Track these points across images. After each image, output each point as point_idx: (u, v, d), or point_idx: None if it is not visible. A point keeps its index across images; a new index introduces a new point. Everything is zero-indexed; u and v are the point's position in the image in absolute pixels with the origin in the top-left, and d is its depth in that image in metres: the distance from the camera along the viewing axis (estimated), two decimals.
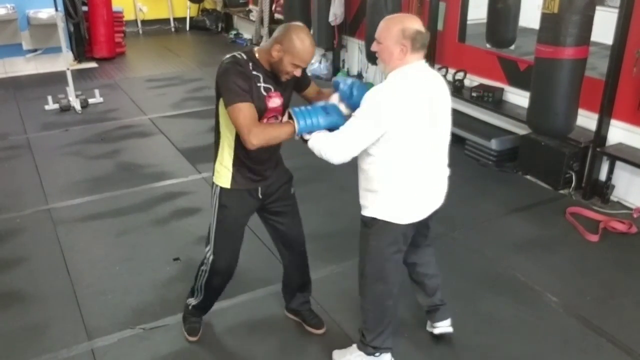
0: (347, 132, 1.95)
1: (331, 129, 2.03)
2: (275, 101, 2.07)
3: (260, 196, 2.22)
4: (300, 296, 2.58)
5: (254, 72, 2.00)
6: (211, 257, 2.26)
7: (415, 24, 1.93)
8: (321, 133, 1.99)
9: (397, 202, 2.04)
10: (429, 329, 2.53)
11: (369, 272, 2.18)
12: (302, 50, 1.94)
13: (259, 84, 2.01)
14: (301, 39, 1.94)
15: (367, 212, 2.09)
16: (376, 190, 2.04)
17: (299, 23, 2.02)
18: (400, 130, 1.92)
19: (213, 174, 2.20)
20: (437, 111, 2.01)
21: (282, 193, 2.29)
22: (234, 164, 2.12)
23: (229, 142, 2.11)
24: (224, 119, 2.08)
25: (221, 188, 2.17)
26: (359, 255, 2.21)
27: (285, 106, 2.12)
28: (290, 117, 2.02)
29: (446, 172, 2.15)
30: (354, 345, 2.36)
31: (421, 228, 2.23)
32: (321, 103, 2.10)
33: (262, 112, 2.04)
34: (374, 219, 2.07)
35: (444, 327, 2.47)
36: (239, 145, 2.07)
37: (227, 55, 2.03)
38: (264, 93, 2.03)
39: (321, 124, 2.01)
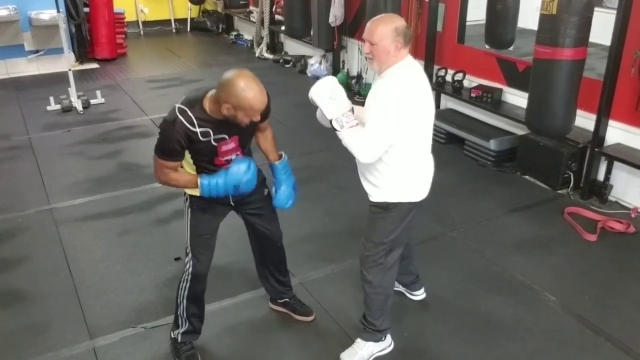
0: (374, 132, 2.02)
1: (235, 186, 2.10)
2: (229, 145, 2.09)
3: (232, 203, 2.26)
4: (281, 288, 2.62)
5: (202, 130, 1.98)
6: (190, 262, 2.26)
7: (402, 21, 2.09)
8: (354, 130, 2.03)
9: (414, 182, 2.19)
10: (409, 296, 2.77)
11: (389, 261, 2.27)
12: (252, 103, 1.91)
13: (207, 138, 2.00)
14: (246, 93, 1.88)
15: (388, 197, 2.18)
16: (395, 175, 2.14)
17: (239, 72, 1.93)
18: (416, 119, 2.06)
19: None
20: (429, 96, 2.15)
21: (256, 195, 2.31)
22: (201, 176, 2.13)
23: (189, 163, 2.16)
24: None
25: (191, 195, 2.21)
26: (375, 239, 2.24)
27: (244, 144, 2.15)
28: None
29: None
30: (359, 340, 2.40)
31: None
32: (242, 165, 2.11)
33: (214, 155, 2.08)
34: (395, 203, 2.17)
35: (420, 294, 2.76)
36: (199, 165, 2.13)
37: (177, 105, 1.99)
38: (215, 144, 2.04)
39: (220, 192, 2.08)
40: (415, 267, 2.73)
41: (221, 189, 2.08)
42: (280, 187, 2.33)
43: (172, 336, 2.42)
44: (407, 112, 2.02)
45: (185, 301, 2.32)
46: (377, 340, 2.40)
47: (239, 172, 2.08)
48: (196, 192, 2.15)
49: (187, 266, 2.28)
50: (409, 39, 2.07)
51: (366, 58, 2.11)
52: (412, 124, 2.05)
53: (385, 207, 2.20)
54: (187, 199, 2.25)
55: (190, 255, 2.27)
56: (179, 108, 1.99)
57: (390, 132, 2.02)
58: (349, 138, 2.04)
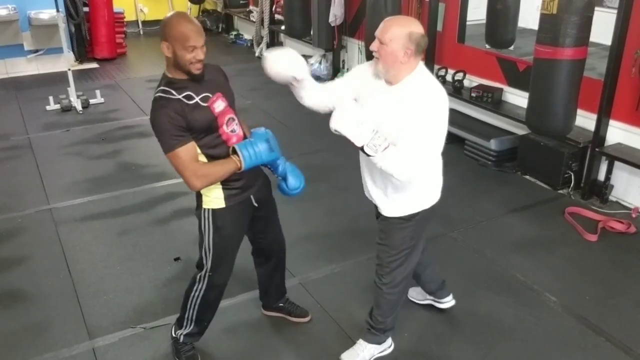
0: (417, 152, 1.92)
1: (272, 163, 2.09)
2: (219, 104, 2.03)
3: (255, 204, 2.20)
4: (279, 295, 2.61)
5: (182, 94, 1.94)
6: (207, 275, 2.19)
7: (420, 28, 1.96)
8: (390, 152, 1.91)
9: (431, 189, 2.18)
10: (437, 305, 2.69)
11: (412, 260, 2.26)
12: (183, 29, 1.90)
13: (192, 101, 1.95)
14: (177, 22, 1.92)
15: (408, 210, 2.15)
16: (423, 186, 2.12)
17: (170, 13, 2.00)
18: (446, 129, 2.00)
19: (200, 201, 2.11)
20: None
21: (269, 196, 2.30)
22: (223, 182, 2.05)
23: None
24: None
25: (213, 210, 2.10)
26: (398, 247, 2.20)
27: (231, 103, 2.11)
28: (234, 152, 2.01)
29: None
30: (361, 341, 2.39)
31: None
32: (261, 131, 2.10)
33: (215, 123, 2.00)
34: (414, 213, 2.15)
35: (449, 301, 2.66)
36: (208, 155, 2.03)
37: (155, 94, 1.98)
38: (204, 104, 1.98)
39: (264, 158, 2.02)
40: (439, 273, 2.64)
41: (258, 151, 2.00)
42: (284, 173, 2.20)
43: (174, 335, 2.39)
44: (442, 124, 1.95)
45: (197, 307, 2.26)
46: (379, 342, 2.38)
47: (261, 133, 2.08)
48: (219, 203, 2.08)
49: (204, 275, 2.19)
50: (422, 48, 1.95)
51: (373, 57, 1.99)
52: (443, 133, 1.99)
53: (408, 218, 2.16)
54: (209, 216, 2.10)
55: (209, 268, 2.17)
56: (155, 94, 1.98)
57: (434, 148, 1.97)
58: (388, 160, 1.92)
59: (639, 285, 2.91)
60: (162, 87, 1.98)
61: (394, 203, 2.15)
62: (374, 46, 1.97)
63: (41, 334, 2.57)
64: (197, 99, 1.97)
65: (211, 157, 2.02)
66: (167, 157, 1.95)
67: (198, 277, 2.22)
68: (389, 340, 2.44)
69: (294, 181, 2.23)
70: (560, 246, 3.26)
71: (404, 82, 1.98)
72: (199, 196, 2.12)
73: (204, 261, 2.19)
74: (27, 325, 2.63)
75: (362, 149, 1.93)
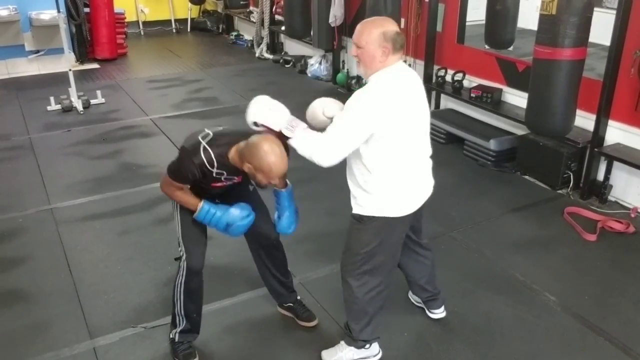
0: (335, 135, 1.97)
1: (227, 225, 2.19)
2: (232, 180, 2.20)
3: (217, 201, 2.27)
4: (284, 291, 2.62)
5: (217, 171, 2.09)
6: (185, 262, 2.28)
7: (393, 26, 2.00)
8: (307, 133, 1.99)
9: (392, 197, 2.10)
10: (428, 313, 2.67)
11: (371, 273, 2.20)
12: (272, 168, 1.96)
13: (219, 176, 2.13)
14: (269, 157, 1.94)
15: (362, 211, 2.13)
16: (371, 189, 2.08)
17: (265, 136, 1.99)
18: (389, 130, 1.98)
19: None
20: (419, 106, 2.08)
21: (241, 192, 2.33)
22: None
23: None
24: None
25: None
26: (351, 248, 2.22)
27: (244, 182, 2.25)
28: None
29: (430, 163, 2.23)
30: (342, 342, 2.38)
31: (415, 221, 2.29)
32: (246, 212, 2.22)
33: (216, 182, 2.17)
34: (370, 217, 2.11)
35: (439, 312, 2.64)
36: (195, 185, 2.20)
37: (207, 140, 2.07)
38: (221, 178, 2.14)
39: (217, 226, 2.19)
40: (436, 285, 2.60)
41: (215, 220, 2.18)
42: (283, 213, 2.33)
43: (171, 336, 2.42)
44: (372, 124, 1.93)
45: (182, 297, 2.32)
46: (357, 347, 2.34)
47: (238, 216, 2.18)
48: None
49: (182, 262, 2.30)
50: (399, 45, 1.98)
51: (356, 61, 2.06)
52: (382, 136, 1.96)
53: (359, 219, 2.14)
54: (176, 204, 2.28)
55: (183, 249, 2.29)
56: (203, 147, 2.06)
57: (352, 135, 1.94)
58: (304, 141, 1.96)
59: (638, 284, 2.92)
60: (211, 153, 2.05)
61: (352, 198, 2.16)
62: (353, 52, 2.04)
63: (42, 334, 2.58)
64: (222, 177, 2.14)
65: (194, 187, 2.21)
66: (165, 176, 2.18)
67: (178, 267, 2.32)
68: (375, 348, 2.38)
69: (284, 223, 2.35)
70: (559, 246, 3.26)
71: (371, 78, 2.02)
72: None
73: (178, 240, 2.30)
74: (28, 325, 2.64)
75: (282, 133, 1.98)
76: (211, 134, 2.10)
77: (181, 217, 2.27)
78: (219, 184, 2.19)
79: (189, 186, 2.20)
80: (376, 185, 2.07)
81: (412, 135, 2.06)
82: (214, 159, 2.05)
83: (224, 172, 2.11)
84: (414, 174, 2.13)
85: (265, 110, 1.99)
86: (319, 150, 1.97)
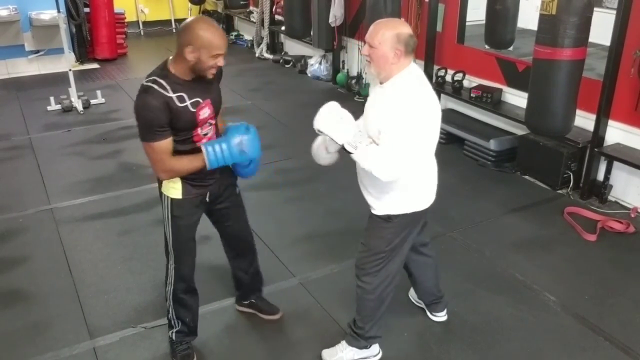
0: (393, 150, 1.93)
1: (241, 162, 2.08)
2: (205, 112, 2.06)
3: (207, 200, 2.24)
4: (252, 289, 2.62)
5: (176, 94, 1.96)
6: (173, 266, 2.25)
7: (407, 29, 2.01)
8: (369, 150, 1.96)
9: (418, 192, 2.14)
10: (429, 315, 2.68)
11: (389, 269, 2.22)
12: (213, 38, 1.92)
13: (184, 104, 1.98)
14: (207, 29, 1.93)
15: (392, 210, 2.13)
16: (406, 187, 2.09)
17: (195, 17, 2.02)
18: (432, 132, 2.01)
19: (160, 186, 2.17)
20: (438, 104, 2.10)
21: (228, 194, 2.32)
22: (183, 177, 2.11)
23: None
24: None
25: (172, 199, 2.15)
26: (373, 248, 2.20)
27: (216, 109, 2.13)
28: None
29: None
30: (343, 342, 2.39)
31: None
32: (237, 127, 2.09)
33: (194, 125, 2.04)
34: (399, 215, 2.13)
35: (441, 316, 2.65)
36: (178, 151, 2.06)
37: (145, 81, 1.99)
38: (193, 109, 2.00)
39: (231, 159, 2.05)
40: (440, 288, 2.62)
41: (226, 153, 2.03)
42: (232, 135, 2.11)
43: (169, 336, 2.42)
44: (425, 125, 1.97)
45: (172, 304, 2.31)
46: (359, 347, 2.35)
47: (239, 130, 2.06)
48: (177, 194, 2.12)
49: (170, 270, 2.26)
50: (412, 48, 1.98)
51: (366, 60, 2.06)
52: (427, 135, 2.00)
53: (387, 218, 2.15)
54: (168, 205, 2.16)
55: (173, 259, 2.24)
56: (148, 80, 1.99)
57: (413, 149, 1.96)
58: (368, 158, 1.95)
59: (637, 284, 2.92)
60: (157, 78, 1.98)
61: (372, 198, 2.17)
62: (365, 51, 2.03)
63: (42, 334, 2.58)
64: (187, 102, 2.00)
65: (176, 152, 2.05)
66: (143, 145, 2.00)
67: (167, 271, 2.27)
68: (376, 349, 2.40)
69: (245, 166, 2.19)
70: (559, 246, 3.27)
71: (392, 80, 2.02)
72: (162, 183, 2.16)
73: (167, 250, 2.24)
74: (28, 325, 2.64)
75: (342, 147, 1.98)
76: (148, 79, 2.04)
77: (172, 227, 2.19)
78: (198, 131, 2.06)
79: (170, 142, 2.01)
80: (411, 183, 2.10)
81: (437, 131, 2.07)
82: (164, 82, 1.96)
83: (183, 95, 1.98)
84: (432, 167, 2.18)
85: (334, 122, 1.97)
86: (382, 167, 1.94)
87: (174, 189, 2.13)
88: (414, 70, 2.04)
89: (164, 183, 2.15)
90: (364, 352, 2.37)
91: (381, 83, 2.06)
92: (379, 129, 1.98)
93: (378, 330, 2.35)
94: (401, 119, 1.93)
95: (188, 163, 2.05)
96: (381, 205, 2.15)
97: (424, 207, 2.18)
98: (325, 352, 2.41)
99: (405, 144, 1.93)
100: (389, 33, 1.96)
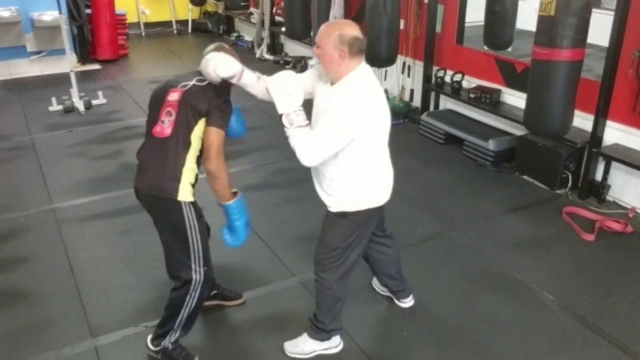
0: (320, 138, 2.00)
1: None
2: (173, 96, 2.44)
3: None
4: (212, 284, 2.60)
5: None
6: (203, 270, 2.24)
7: (353, 30, 2.03)
8: (300, 131, 2.02)
9: (371, 189, 2.18)
10: (397, 302, 2.74)
11: (346, 264, 2.25)
12: None
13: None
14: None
15: (346, 207, 2.17)
16: (358, 185, 2.14)
17: (218, 44, 2.33)
18: (371, 130, 2.05)
19: (174, 193, 2.15)
20: (386, 105, 2.14)
21: None
22: (195, 180, 2.21)
23: (194, 162, 2.20)
24: (198, 141, 2.17)
25: (191, 203, 2.19)
26: (329, 243, 2.23)
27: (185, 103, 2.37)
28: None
29: None
30: (305, 334, 2.43)
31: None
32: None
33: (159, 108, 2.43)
34: (354, 212, 2.16)
35: (408, 302, 2.73)
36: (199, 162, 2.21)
37: (195, 80, 2.26)
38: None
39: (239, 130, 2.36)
40: (403, 274, 2.67)
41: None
42: (233, 227, 2.26)
43: (158, 348, 2.34)
44: (360, 123, 2.00)
45: (192, 308, 2.28)
46: (320, 340, 2.40)
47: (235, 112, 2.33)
48: (191, 197, 2.19)
49: (197, 277, 2.23)
50: (357, 49, 2.01)
51: None
52: (366, 134, 2.03)
53: (342, 215, 2.18)
54: (189, 210, 2.18)
55: (202, 264, 2.23)
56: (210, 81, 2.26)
57: (337, 142, 2.00)
58: (296, 137, 2.01)
59: (635, 284, 2.93)
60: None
61: (326, 195, 2.20)
62: (314, 51, 2.08)
63: (44, 333, 2.60)
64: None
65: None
66: (217, 133, 2.15)
67: (194, 278, 2.23)
68: (336, 340, 2.44)
69: (230, 240, 2.30)
70: (558, 246, 3.28)
71: (340, 82, 2.05)
72: (172, 187, 2.15)
73: (195, 258, 2.21)
74: (30, 324, 2.65)
75: (281, 117, 2.04)
76: (190, 83, 2.29)
77: (199, 224, 2.20)
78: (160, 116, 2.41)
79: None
80: (364, 181, 2.14)
81: (384, 131, 2.12)
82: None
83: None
84: (388, 165, 2.23)
85: (283, 92, 2.04)
86: (304, 149, 2.01)
87: (188, 192, 2.19)
88: (364, 72, 2.07)
89: (181, 191, 2.15)
90: (325, 344, 2.42)
91: (332, 84, 2.09)
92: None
93: (338, 322, 2.40)
94: (336, 111, 1.99)
95: (229, 181, 2.23)
96: (336, 202, 2.17)
97: (378, 204, 2.21)
98: (288, 344, 2.45)
99: (333, 136, 1.99)
100: (333, 34, 2.00)
